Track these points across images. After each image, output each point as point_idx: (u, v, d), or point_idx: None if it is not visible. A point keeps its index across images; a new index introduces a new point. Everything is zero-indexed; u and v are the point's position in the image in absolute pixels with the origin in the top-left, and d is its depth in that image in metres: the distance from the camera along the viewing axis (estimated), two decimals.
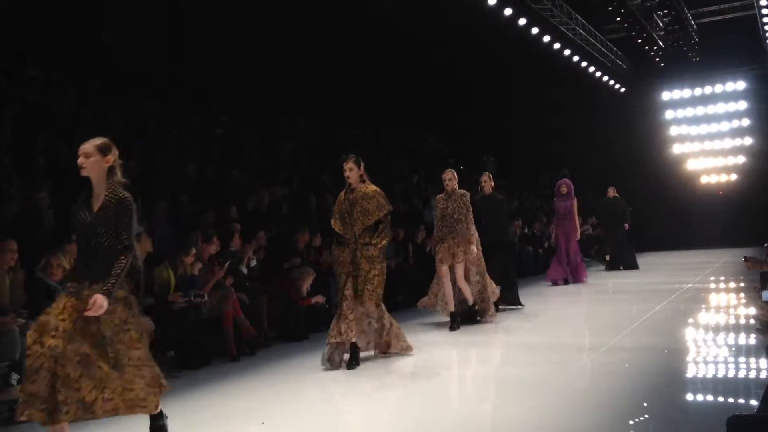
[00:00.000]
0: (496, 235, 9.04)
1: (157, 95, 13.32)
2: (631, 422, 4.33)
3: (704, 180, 22.39)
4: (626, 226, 14.72)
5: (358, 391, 5.55)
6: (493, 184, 9.36)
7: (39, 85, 11.36)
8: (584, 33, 18.72)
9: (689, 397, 5.19)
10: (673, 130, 22.64)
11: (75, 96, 11.57)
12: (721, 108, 22.07)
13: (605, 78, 21.56)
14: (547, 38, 17.66)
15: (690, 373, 5.85)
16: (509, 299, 9.42)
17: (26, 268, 5.96)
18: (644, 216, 21.84)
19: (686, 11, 19.17)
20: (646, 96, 22.45)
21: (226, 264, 7.31)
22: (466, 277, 8.25)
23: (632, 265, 14.75)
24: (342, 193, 6.56)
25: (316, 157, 14.56)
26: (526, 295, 10.93)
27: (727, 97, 21.92)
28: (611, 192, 15.04)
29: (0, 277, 5.62)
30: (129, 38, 13.83)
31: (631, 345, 6.68)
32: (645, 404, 4.72)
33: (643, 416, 4.48)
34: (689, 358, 6.36)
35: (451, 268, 8.14)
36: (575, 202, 12.34)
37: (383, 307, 6.49)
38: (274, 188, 11.33)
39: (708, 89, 22.06)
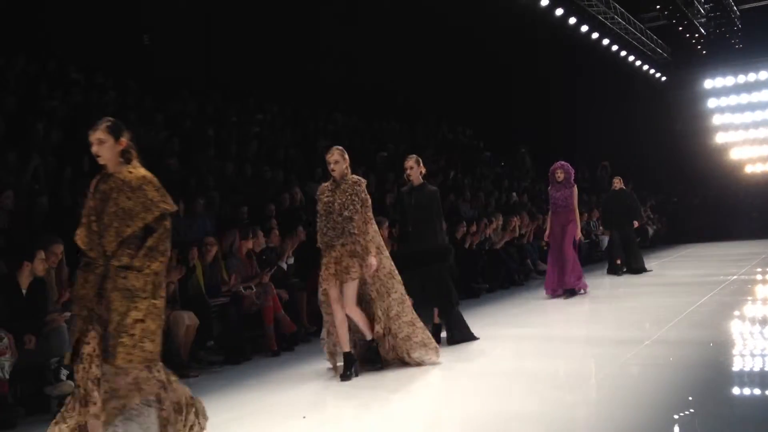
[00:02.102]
0: (424, 241, 6.80)
1: (194, 95, 13.51)
2: (675, 417, 4.25)
3: (749, 169, 21.87)
4: (636, 223, 12.78)
5: (399, 383, 5.55)
6: (423, 170, 6.99)
7: (81, 87, 11.62)
8: (623, 22, 18.42)
9: (736, 391, 5.08)
10: (716, 119, 22.15)
11: (116, 97, 11.81)
12: (765, 95, 21.51)
13: (645, 67, 21.19)
14: (585, 28, 17.42)
15: (736, 366, 5.72)
16: (447, 327, 7.03)
17: (71, 265, 6.11)
18: (688, 207, 21.48)
19: None
20: (688, 85, 22.00)
21: (273, 269, 7.50)
22: (365, 301, 5.95)
23: (639, 268, 12.51)
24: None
25: (353, 153, 14.60)
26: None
27: None
28: (617, 183, 12.88)
29: (46, 275, 5.76)
30: (167, 39, 14.05)
31: (675, 338, 6.56)
32: (690, 398, 4.63)
33: (689, 411, 4.39)
34: (735, 352, 6.22)
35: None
36: (575, 191, 10.08)
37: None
38: (311, 184, 11.41)
39: (752, 76, 21.52)
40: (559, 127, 20.55)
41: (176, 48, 14.02)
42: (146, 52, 14.06)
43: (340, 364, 5.84)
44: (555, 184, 10.14)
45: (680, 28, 18.79)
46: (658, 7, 17.68)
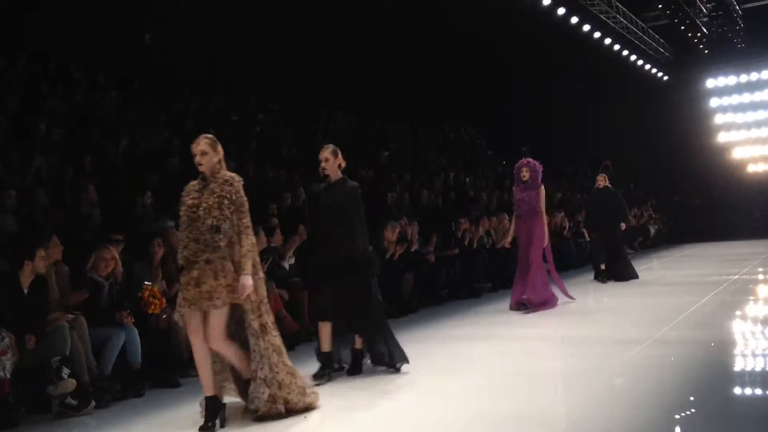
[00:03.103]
0: (341, 248, 5.61)
1: (196, 94, 13.52)
2: (677, 416, 4.24)
3: (751, 168, 21.85)
4: (623, 225, 11.66)
5: (404, 382, 5.55)
6: (342, 163, 5.85)
7: (84, 87, 11.63)
8: (625, 21, 18.41)
9: (737, 391, 5.07)
10: (719, 119, 22.15)
11: (118, 96, 11.83)
12: (767, 95, 21.49)
13: (647, 66, 21.19)
14: (587, 27, 17.43)
15: (738, 366, 5.71)
16: (374, 357, 5.87)
17: (71, 265, 6.12)
18: (689, 206, 21.46)
19: None
20: (690, 84, 22.00)
21: (269, 261, 7.42)
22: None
23: (628, 274, 11.41)
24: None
25: (354, 152, 14.62)
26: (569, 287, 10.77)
27: None
28: (601, 181, 11.75)
29: (48, 273, 5.77)
30: (169, 39, 14.07)
31: (676, 338, 6.55)
32: (691, 398, 4.63)
33: (690, 410, 4.39)
34: (737, 352, 6.21)
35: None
36: (542, 192, 8.84)
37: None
38: (313, 184, 11.39)
39: (754, 75, 21.53)
40: (560, 126, 20.54)
41: (178, 47, 14.03)
42: (148, 52, 14.07)
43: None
44: (520, 184, 8.97)
45: (682, 28, 18.77)
46: (660, 6, 17.65)
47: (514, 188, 9.22)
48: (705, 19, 19.29)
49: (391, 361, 5.73)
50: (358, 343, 5.85)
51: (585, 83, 19.77)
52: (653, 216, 19.47)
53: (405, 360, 5.74)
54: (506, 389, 5.20)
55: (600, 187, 11.81)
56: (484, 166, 18.35)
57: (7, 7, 11.63)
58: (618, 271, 11.39)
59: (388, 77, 16.99)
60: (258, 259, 4.74)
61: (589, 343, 6.70)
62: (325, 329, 5.52)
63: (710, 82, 22.02)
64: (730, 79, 21.83)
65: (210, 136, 4.75)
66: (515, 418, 4.44)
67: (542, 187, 8.88)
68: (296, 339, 7.44)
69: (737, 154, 21.96)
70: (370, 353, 5.86)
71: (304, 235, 8.61)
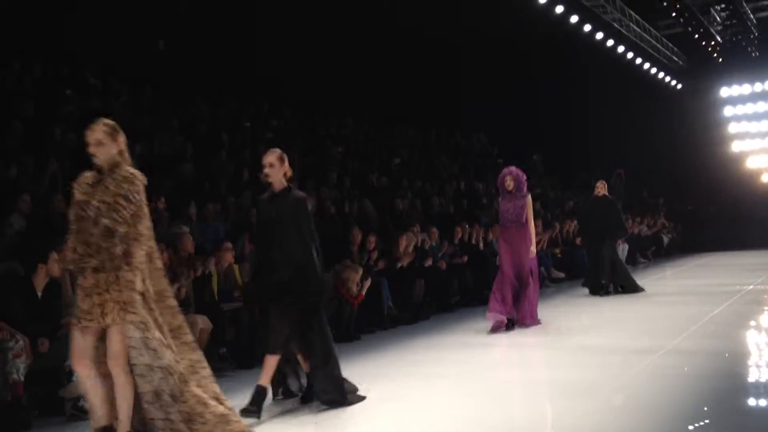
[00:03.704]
0: (284, 269, 4.88)
1: (208, 100, 13.59)
2: (690, 427, 4.21)
3: (765, 178, 21.68)
4: (619, 241, 11.06)
5: (411, 389, 5.53)
6: (289, 171, 5.11)
7: (98, 92, 11.73)
8: (638, 29, 18.36)
9: (751, 402, 5.02)
10: (732, 128, 21.98)
11: (131, 101, 11.92)
12: None
13: (660, 74, 21.10)
14: (600, 35, 17.38)
15: (752, 377, 5.66)
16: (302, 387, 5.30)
17: None
18: (703, 216, 21.31)
19: (744, 5, 18.64)
20: (704, 92, 21.85)
21: None
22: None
23: (630, 286, 10.76)
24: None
25: (366, 159, 14.66)
26: (577, 296, 10.73)
27: None
28: (600, 188, 11.06)
29: (61, 277, 5.81)
30: (182, 45, 14.18)
31: (690, 348, 6.50)
32: (705, 409, 4.59)
33: (704, 421, 4.35)
34: (751, 362, 6.15)
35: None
36: (529, 201, 8.28)
37: None
38: (323, 189, 11.44)
39: None
40: (573, 134, 20.48)
41: (191, 53, 14.13)
42: (161, 58, 14.18)
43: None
44: (505, 194, 8.38)
45: (696, 36, 18.69)
46: (674, 14, 17.58)
47: (499, 199, 8.61)
48: (719, 28, 19.22)
49: (326, 398, 5.03)
50: (305, 366, 5.18)
51: (598, 91, 19.70)
52: (666, 225, 19.36)
53: (343, 400, 5.01)
54: (511, 397, 5.18)
55: (599, 195, 11.09)
56: (496, 174, 18.32)
57: (24, 13, 11.75)
58: (624, 282, 10.82)
59: (400, 83, 17.01)
60: (139, 275, 3.84)
61: (602, 352, 6.66)
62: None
63: (724, 91, 21.88)
64: (745, 88, 21.68)
65: (109, 122, 4.00)
66: (521, 427, 4.42)
67: (528, 196, 8.38)
68: None
69: (751, 163, 21.81)
70: (308, 387, 5.22)
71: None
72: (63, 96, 10.74)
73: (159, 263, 4.08)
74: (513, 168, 8.46)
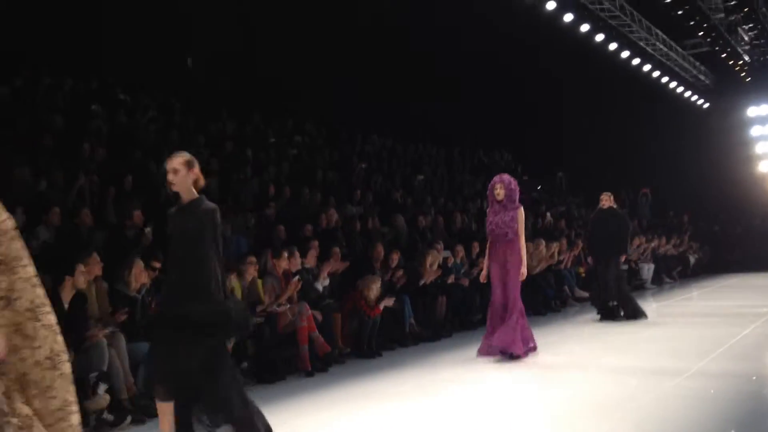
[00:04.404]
0: (185, 295, 3.94)
1: (233, 115, 13.76)
2: None
3: None
4: (623, 257, 10.20)
5: (430, 407, 5.51)
6: (201, 180, 4.12)
7: (128, 107, 11.93)
8: (664, 48, 18.27)
9: None
10: (760, 147, 21.74)
11: (160, 117, 12.10)
12: None
13: (687, 93, 20.96)
14: (625, 54, 17.33)
15: None
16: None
17: (110, 282, 6.24)
18: (731, 236, 21.03)
19: None
20: (731, 112, 21.64)
21: (296, 278, 7.47)
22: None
23: (634, 312, 9.94)
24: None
25: (390, 175, 14.72)
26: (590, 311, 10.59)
27: None
28: (605, 200, 10.05)
29: (88, 289, 5.89)
30: (209, 62, 14.41)
31: (717, 370, 6.40)
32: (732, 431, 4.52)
33: None
34: None
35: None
36: (521, 213, 7.41)
37: None
38: (348, 206, 11.49)
39: None
40: (598, 152, 20.38)
41: (217, 70, 14.34)
42: (189, 75, 14.41)
43: None
44: (494, 204, 7.49)
45: (723, 55, 18.56)
46: (701, 33, 17.47)
47: (488, 210, 7.72)
48: (747, 47, 19.08)
49: None
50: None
51: (624, 110, 19.60)
52: (692, 245, 19.14)
53: None
54: (531, 416, 5.13)
55: (604, 207, 10.12)
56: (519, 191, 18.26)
57: (56, 30, 12.01)
58: (627, 306, 10.02)
59: (424, 100, 17.08)
60: (40, 301, 3.22)
61: (626, 373, 6.58)
62: (161, 409, 3.83)
63: (752, 110, 21.65)
64: None
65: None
66: None
67: (521, 207, 7.46)
68: (328, 361, 7.45)
69: None
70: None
71: (338, 257, 8.65)
72: (91, 111, 10.93)
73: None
74: (505, 175, 7.62)
